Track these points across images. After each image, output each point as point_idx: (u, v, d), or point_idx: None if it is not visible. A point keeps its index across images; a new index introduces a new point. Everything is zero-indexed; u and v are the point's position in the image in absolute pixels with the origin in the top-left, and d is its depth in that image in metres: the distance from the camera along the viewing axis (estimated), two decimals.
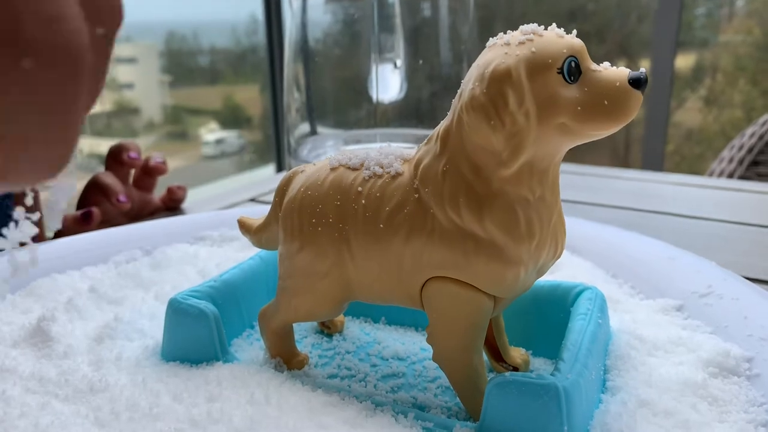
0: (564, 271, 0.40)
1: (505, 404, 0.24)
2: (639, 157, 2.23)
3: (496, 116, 0.24)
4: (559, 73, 0.24)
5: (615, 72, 0.24)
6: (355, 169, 0.28)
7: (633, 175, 0.82)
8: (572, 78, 0.24)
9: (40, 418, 0.26)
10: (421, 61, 0.60)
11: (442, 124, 0.27)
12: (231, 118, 2.48)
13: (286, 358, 0.31)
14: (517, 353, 0.31)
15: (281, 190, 0.31)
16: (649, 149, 2.09)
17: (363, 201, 0.27)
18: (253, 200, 0.68)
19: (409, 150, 0.29)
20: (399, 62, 0.59)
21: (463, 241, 0.25)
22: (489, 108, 0.24)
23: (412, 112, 0.63)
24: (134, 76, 2.72)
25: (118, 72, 2.67)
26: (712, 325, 0.33)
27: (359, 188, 0.27)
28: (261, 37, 2.37)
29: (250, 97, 2.71)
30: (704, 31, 2.57)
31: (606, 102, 0.24)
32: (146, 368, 0.30)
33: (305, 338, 0.35)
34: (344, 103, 0.66)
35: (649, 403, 0.27)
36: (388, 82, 0.60)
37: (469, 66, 0.58)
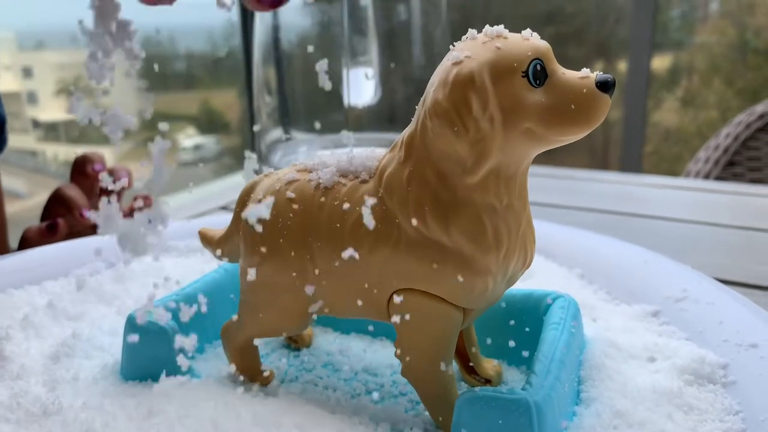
0: (538, 277, 0.40)
1: (475, 420, 0.23)
2: (617, 159, 2.25)
3: (460, 122, 0.23)
4: (524, 76, 0.23)
5: (582, 75, 0.24)
6: (318, 178, 0.27)
7: (610, 177, 0.82)
8: (538, 82, 0.23)
9: None
10: (393, 65, 0.59)
11: (407, 131, 0.26)
12: (208, 123, 2.46)
13: (250, 375, 0.30)
14: (489, 365, 0.31)
15: (242, 200, 0.29)
16: (627, 150, 2.11)
17: (326, 211, 0.26)
18: (224, 208, 0.67)
19: (379, 154, 0.28)
20: (370, 73, 0.58)
21: (430, 252, 0.24)
22: (452, 114, 0.23)
23: (385, 116, 0.62)
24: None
25: None
26: (687, 330, 0.33)
27: (322, 198, 0.26)
28: (238, 41, 2.35)
29: (228, 102, 2.69)
30: (679, 33, 2.60)
31: (573, 106, 0.23)
32: (104, 388, 0.29)
33: (272, 353, 0.34)
34: (317, 108, 0.65)
35: (624, 414, 0.26)
36: (360, 87, 0.59)
37: None
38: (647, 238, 0.56)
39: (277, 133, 0.62)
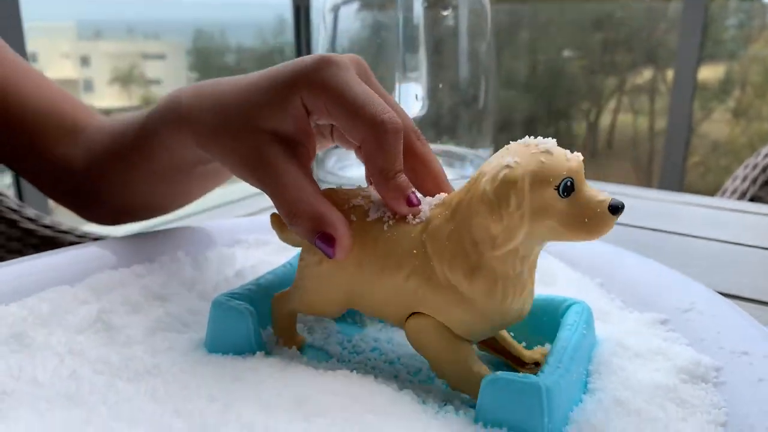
0: (561, 284, 0.45)
1: (495, 399, 0.29)
2: (660, 168, 2.25)
3: (498, 211, 0.30)
4: (555, 189, 0.29)
5: (599, 197, 0.30)
6: (378, 211, 0.34)
7: (645, 194, 0.85)
8: (565, 194, 0.30)
9: (107, 395, 0.31)
10: (441, 85, 0.64)
11: (457, 194, 0.32)
12: None
13: (285, 339, 0.37)
14: (536, 352, 0.36)
15: None
16: (669, 160, 2.11)
17: (381, 241, 0.33)
18: None
19: (431, 201, 0.34)
20: (420, 94, 0.63)
21: (450, 293, 0.31)
22: (494, 204, 0.30)
23: (431, 127, 0.67)
24: (162, 72, 2.79)
25: (147, 67, 2.75)
26: (689, 337, 0.37)
27: (378, 228, 0.34)
28: (288, 37, 2.42)
29: None
30: (734, 43, 2.56)
31: (586, 220, 0.29)
32: (194, 358, 0.35)
33: (329, 337, 0.40)
34: None
35: (623, 403, 0.31)
36: (409, 102, 0.64)
37: (486, 83, 0.62)
38: (673, 254, 0.61)
39: None
